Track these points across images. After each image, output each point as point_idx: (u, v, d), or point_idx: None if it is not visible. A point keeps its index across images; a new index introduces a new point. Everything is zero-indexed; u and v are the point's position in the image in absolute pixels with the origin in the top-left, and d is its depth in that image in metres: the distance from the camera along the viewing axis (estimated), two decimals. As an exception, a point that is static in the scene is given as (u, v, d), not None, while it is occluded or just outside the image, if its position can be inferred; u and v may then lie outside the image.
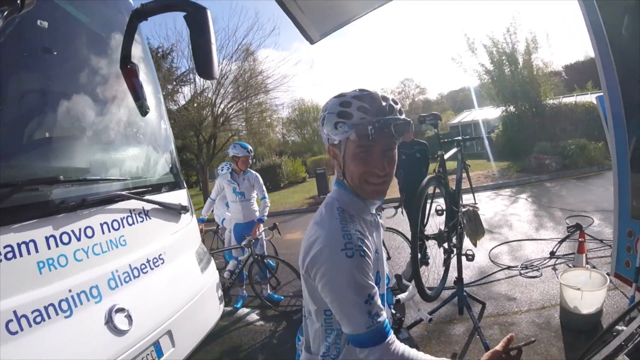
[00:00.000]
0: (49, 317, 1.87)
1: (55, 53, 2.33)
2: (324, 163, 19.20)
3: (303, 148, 31.25)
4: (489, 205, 9.24)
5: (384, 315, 1.20)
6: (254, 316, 4.74)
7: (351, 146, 1.25)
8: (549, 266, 4.84)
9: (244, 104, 19.51)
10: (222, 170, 5.38)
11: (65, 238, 2.06)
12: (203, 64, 2.34)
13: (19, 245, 1.84)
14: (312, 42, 2.87)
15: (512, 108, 16.24)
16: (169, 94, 18.02)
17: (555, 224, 6.85)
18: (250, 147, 5.03)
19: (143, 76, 2.65)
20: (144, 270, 2.54)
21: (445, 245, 3.63)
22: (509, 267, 4.97)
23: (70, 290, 2.02)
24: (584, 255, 4.14)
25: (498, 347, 1.25)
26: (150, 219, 2.71)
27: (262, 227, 4.98)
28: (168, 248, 2.81)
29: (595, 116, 13.22)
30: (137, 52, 2.71)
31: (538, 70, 15.70)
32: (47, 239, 1.97)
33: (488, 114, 21.14)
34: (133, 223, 2.55)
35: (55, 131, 2.33)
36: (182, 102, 19.01)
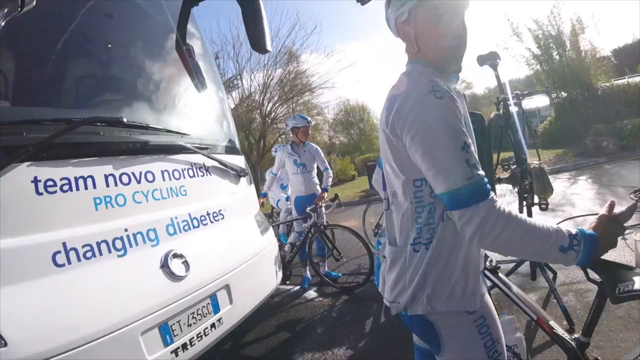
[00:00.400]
0: (100, 253, 1.73)
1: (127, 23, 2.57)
2: (374, 160, 18.65)
3: (351, 148, 30.77)
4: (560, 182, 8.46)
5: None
6: (311, 293, 4.49)
7: (423, 10, 1.13)
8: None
9: (291, 105, 19.46)
10: (275, 151, 5.21)
11: (125, 179, 1.96)
12: (256, 38, 2.42)
13: (76, 179, 1.74)
14: (362, 2, 2.75)
15: (563, 93, 15.12)
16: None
17: (619, 200, 6.11)
18: (309, 118, 4.85)
19: (198, 55, 2.72)
20: (204, 222, 2.38)
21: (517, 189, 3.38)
22: None
23: (126, 230, 1.88)
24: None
25: (603, 211, 1.10)
26: (210, 175, 2.59)
27: (326, 196, 4.77)
28: (227, 206, 2.66)
29: None
30: (191, 33, 2.74)
31: (586, 53, 14.64)
32: (106, 177, 1.87)
33: (538, 102, 19.84)
34: (194, 176, 2.42)
35: (126, 85, 2.45)
36: (232, 106, 19.21)
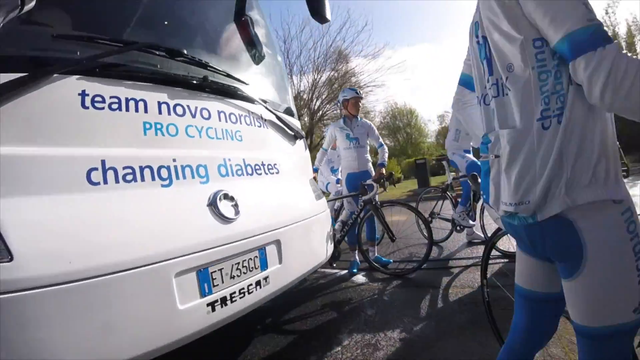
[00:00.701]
0: (142, 179, 1.52)
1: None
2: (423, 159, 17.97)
3: (397, 151, 30.05)
4: None
5: None
6: (360, 277, 4.12)
7: None
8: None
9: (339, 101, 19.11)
10: (325, 133, 4.90)
11: (179, 110, 1.77)
12: (316, 7, 2.42)
13: (127, 100, 1.56)
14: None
15: None
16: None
17: None
18: (358, 90, 4.46)
19: (257, 28, 2.63)
20: (258, 171, 2.15)
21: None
22: None
23: (174, 160, 1.67)
24: None
25: None
26: (267, 128, 2.38)
27: (384, 171, 4.38)
28: (283, 162, 2.43)
29: None
30: (250, 6, 2.62)
31: None
32: (159, 104, 1.69)
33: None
34: (250, 124, 2.22)
35: (189, 28, 2.35)
36: None
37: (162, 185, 1.58)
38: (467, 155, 4.67)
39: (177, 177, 1.64)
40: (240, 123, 2.13)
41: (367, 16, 29.93)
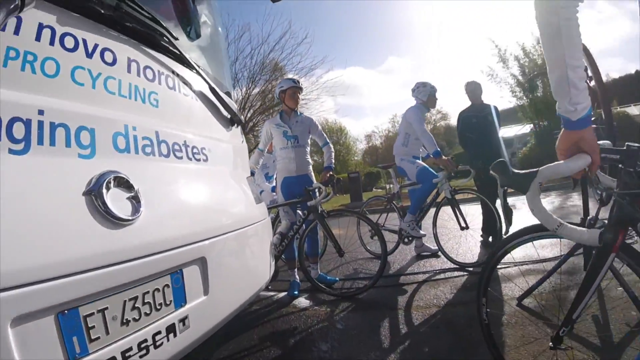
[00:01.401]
0: None
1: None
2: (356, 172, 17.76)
3: (321, 168, 30.10)
4: (544, 202, 7.94)
5: None
6: (302, 301, 3.48)
7: None
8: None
9: (271, 113, 18.73)
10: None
11: (69, 42, 1.12)
12: None
13: None
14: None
15: (544, 122, 15.14)
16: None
17: None
18: (297, 80, 3.87)
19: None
20: (178, 154, 1.49)
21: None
22: None
23: (41, 113, 0.98)
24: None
25: None
26: (196, 101, 1.75)
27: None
28: (214, 149, 1.79)
29: (631, 124, 13.71)
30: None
31: None
32: (41, 27, 1.05)
33: (512, 132, 20.06)
34: (174, 89, 1.58)
35: None
36: None
37: (11, 151, 0.88)
38: (418, 161, 4.30)
39: (41, 141, 0.95)
40: (160, 83, 1.47)
41: (308, 29, 29.96)
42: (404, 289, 3.42)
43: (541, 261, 3.71)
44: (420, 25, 76.21)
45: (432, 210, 4.19)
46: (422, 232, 4.17)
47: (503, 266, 3.73)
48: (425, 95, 4.35)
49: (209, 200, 1.59)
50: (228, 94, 2.15)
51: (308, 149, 3.90)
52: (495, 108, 5.02)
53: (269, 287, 3.50)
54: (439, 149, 4.02)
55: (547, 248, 4.10)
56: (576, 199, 7.87)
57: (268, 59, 16.99)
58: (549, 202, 8.17)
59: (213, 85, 1.82)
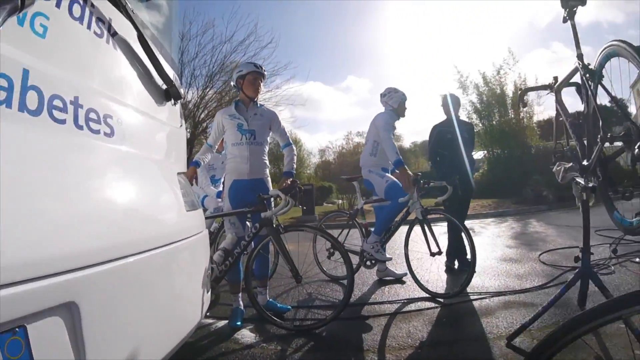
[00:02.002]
0: None
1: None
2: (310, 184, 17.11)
3: (278, 179, 29.49)
4: (503, 227, 8.08)
5: None
6: (247, 334, 2.82)
7: None
8: (616, 264, 4.07)
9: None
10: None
11: None
12: None
13: None
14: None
15: (497, 150, 15.56)
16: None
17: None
18: (260, 65, 3.21)
19: None
20: (57, 115, 0.94)
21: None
22: (572, 268, 3.91)
23: None
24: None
25: None
26: (115, 49, 1.25)
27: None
28: (125, 123, 1.23)
29: None
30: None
31: (523, 117, 15.62)
32: None
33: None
34: (80, 20, 1.09)
35: None
36: None
37: None
38: (388, 175, 3.80)
39: None
40: (58, 6, 1.00)
41: (274, 34, 29.25)
42: (370, 323, 2.88)
43: (521, 292, 3.42)
44: (383, 48, 78.37)
45: (403, 228, 3.72)
46: (387, 255, 3.67)
47: (478, 297, 3.34)
48: (397, 101, 3.91)
49: (98, 201, 0.98)
50: (172, 63, 1.61)
51: (266, 148, 3.26)
52: (472, 126, 4.69)
53: (208, 313, 2.85)
54: (401, 158, 3.55)
55: (524, 278, 3.81)
56: (537, 226, 7.80)
57: (229, 59, 16.19)
58: (509, 227, 8.00)
59: (147, 38, 1.27)
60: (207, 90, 15.97)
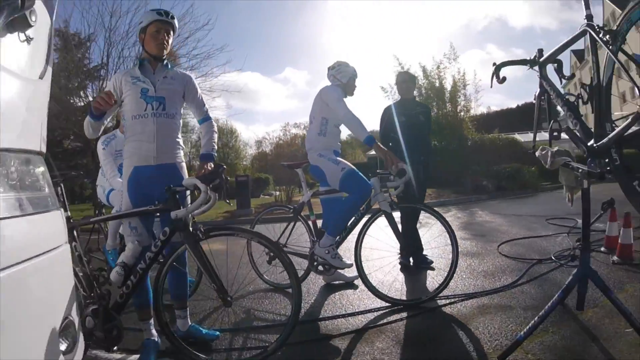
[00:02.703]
0: None
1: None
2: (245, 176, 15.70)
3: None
4: (449, 217, 7.51)
5: None
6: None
7: None
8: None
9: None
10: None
11: None
12: None
13: None
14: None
15: (435, 142, 15.71)
16: (75, 88, 14.31)
17: (540, 227, 5.65)
18: (167, 11, 2.28)
19: None
20: None
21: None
22: (540, 260, 3.76)
23: None
24: (631, 229, 3.57)
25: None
26: None
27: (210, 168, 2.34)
28: None
29: (517, 149, 14.77)
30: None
31: (461, 111, 15.84)
32: None
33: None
34: None
35: None
36: (90, 99, 15.34)
37: None
38: (342, 160, 3.13)
39: None
40: None
41: (211, 15, 27.28)
42: (328, 346, 2.26)
43: (493, 292, 2.97)
44: (323, 41, 78.34)
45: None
46: (347, 261, 3.02)
47: (447, 301, 2.83)
48: (347, 77, 3.27)
49: None
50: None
51: (179, 123, 2.40)
52: (429, 108, 4.18)
53: (115, 347, 2.06)
54: (371, 134, 2.91)
55: (491, 274, 3.39)
56: (483, 215, 7.58)
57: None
58: (455, 216, 7.73)
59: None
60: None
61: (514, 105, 36.46)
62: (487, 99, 59.79)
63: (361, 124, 2.91)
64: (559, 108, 2.34)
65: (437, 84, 15.52)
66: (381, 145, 2.93)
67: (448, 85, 15.73)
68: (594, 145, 1.95)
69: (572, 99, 2.24)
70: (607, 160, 1.95)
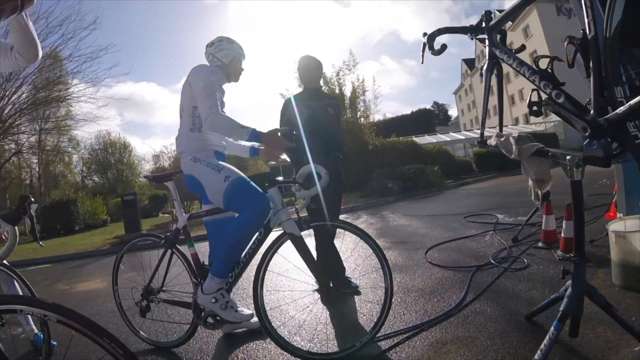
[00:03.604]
0: None
1: None
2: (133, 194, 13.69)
3: (106, 189, 25.00)
4: (361, 223, 7.10)
5: None
6: None
7: None
8: (521, 254, 3.44)
9: (40, 115, 15.02)
10: None
11: None
12: None
13: None
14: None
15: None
16: None
17: (460, 226, 5.30)
18: None
19: None
20: None
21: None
22: (479, 267, 3.22)
23: None
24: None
25: None
26: None
27: None
28: None
29: (417, 151, 15.55)
30: None
31: (361, 117, 15.97)
32: None
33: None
34: None
35: None
36: None
37: None
38: (226, 165, 2.20)
39: None
40: None
41: (99, 14, 24.84)
42: None
43: (443, 318, 2.21)
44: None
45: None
46: (246, 311, 2.09)
47: (388, 342, 2.07)
48: (229, 56, 2.36)
49: None
50: None
51: None
52: (338, 101, 3.40)
53: None
54: (250, 126, 2.05)
55: (430, 292, 2.62)
56: (396, 218, 7.08)
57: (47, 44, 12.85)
58: (367, 222, 7.15)
59: None
60: (12, 78, 12.35)
61: (408, 112, 38.99)
62: (383, 107, 63.19)
63: (234, 121, 2.04)
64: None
65: (337, 90, 15.37)
66: (267, 132, 2.07)
67: (348, 91, 15.76)
68: (599, 119, 1.31)
69: (544, 63, 1.64)
70: (619, 137, 1.31)
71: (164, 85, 71.82)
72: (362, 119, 15.97)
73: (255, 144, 2.51)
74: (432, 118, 38.62)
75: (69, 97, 15.10)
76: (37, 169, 22.85)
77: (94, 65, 18.18)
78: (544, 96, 1.59)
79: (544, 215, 3.54)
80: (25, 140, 15.91)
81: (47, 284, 5.12)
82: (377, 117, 18.23)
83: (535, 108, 1.61)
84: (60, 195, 18.42)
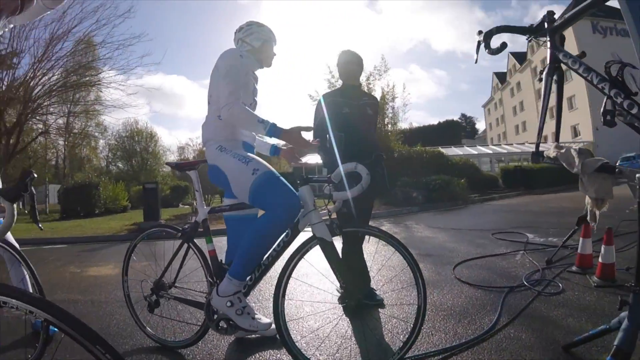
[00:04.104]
0: None
1: None
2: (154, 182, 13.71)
3: (129, 176, 25.48)
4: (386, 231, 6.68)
5: None
6: None
7: None
8: (555, 277, 3.19)
9: (70, 98, 15.56)
10: None
11: None
12: None
13: None
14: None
15: None
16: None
17: (488, 243, 5.06)
18: None
19: None
20: None
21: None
22: (512, 288, 2.97)
23: None
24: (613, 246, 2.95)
25: None
26: None
27: None
28: None
29: (443, 162, 15.38)
30: None
31: (388, 123, 15.76)
32: None
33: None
34: None
35: None
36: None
37: None
38: (255, 157, 2.03)
39: None
40: None
41: (134, 3, 25.41)
42: None
43: (477, 341, 2.00)
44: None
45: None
46: (264, 319, 1.94)
47: None
48: (260, 39, 2.21)
49: None
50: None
51: None
52: (377, 102, 3.21)
53: None
54: (270, 120, 1.87)
55: (460, 312, 2.37)
56: (420, 229, 6.83)
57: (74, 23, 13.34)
58: (391, 231, 6.86)
59: None
60: (44, 59, 12.45)
61: (435, 122, 38.57)
62: (410, 115, 63.06)
63: (252, 113, 1.89)
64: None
65: (366, 89, 15.10)
66: (288, 132, 1.87)
67: (377, 97, 15.37)
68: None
69: (615, 69, 1.45)
70: None
71: (194, 80, 72.85)
72: (389, 126, 15.73)
73: (279, 143, 2.33)
74: (459, 130, 38.18)
75: (99, 82, 15.34)
76: (63, 151, 23.42)
77: (126, 53, 18.59)
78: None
79: (580, 238, 3.29)
80: (53, 121, 16.26)
81: (58, 265, 5.08)
82: (403, 125, 18.03)
83: (608, 117, 1.42)
84: (83, 177, 18.71)
